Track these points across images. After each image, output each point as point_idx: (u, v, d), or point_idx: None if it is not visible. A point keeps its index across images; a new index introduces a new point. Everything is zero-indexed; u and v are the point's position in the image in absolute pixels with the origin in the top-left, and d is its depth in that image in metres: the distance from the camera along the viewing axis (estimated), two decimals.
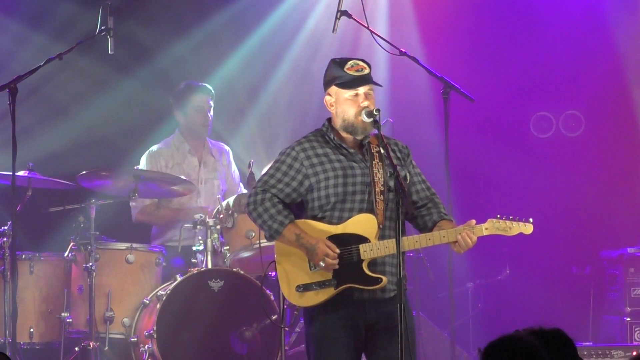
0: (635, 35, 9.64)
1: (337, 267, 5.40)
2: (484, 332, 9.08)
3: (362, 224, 5.44)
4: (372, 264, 5.43)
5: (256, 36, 9.62)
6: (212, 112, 8.65)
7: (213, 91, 8.67)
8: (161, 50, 9.42)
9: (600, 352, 7.85)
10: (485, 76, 9.61)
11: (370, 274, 5.41)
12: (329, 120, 5.63)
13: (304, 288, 5.46)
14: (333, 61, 5.60)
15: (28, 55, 8.76)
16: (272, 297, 7.47)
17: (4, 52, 9.04)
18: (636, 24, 9.65)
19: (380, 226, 5.43)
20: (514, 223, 5.52)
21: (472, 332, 9.05)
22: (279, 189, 5.52)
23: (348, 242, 5.43)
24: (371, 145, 5.56)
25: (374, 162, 5.50)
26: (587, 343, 8.31)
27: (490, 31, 9.79)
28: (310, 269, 5.45)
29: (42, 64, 7.07)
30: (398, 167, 5.41)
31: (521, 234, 5.53)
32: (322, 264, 5.41)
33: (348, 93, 5.53)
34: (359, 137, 5.54)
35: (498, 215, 5.50)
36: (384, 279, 5.41)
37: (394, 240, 5.33)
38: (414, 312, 8.25)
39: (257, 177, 7.87)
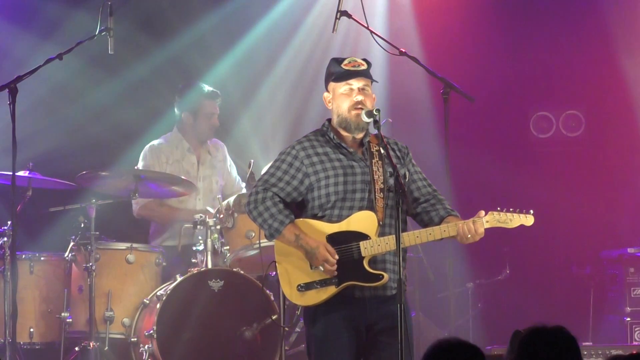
0: (635, 35, 9.63)
1: (335, 273, 5.41)
2: (484, 332, 9.07)
3: (362, 221, 5.44)
4: (373, 261, 5.43)
5: (252, 35, 9.59)
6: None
7: (220, 95, 8.67)
8: (157, 49, 9.39)
9: (600, 352, 7.84)
10: (485, 76, 9.61)
11: (371, 270, 5.41)
12: (329, 120, 5.64)
13: (306, 287, 5.46)
14: (333, 59, 5.64)
15: (24, 54, 8.76)
16: (272, 297, 7.47)
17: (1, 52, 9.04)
18: (636, 24, 9.64)
19: (380, 223, 5.43)
20: (515, 215, 5.52)
21: (472, 332, 9.04)
22: (279, 188, 5.52)
23: (348, 240, 5.42)
24: (371, 144, 5.57)
25: (373, 160, 5.51)
26: (587, 343, 8.30)
27: (490, 31, 9.78)
28: (311, 268, 5.44)
29: (42, 64, 7.05)
30: (397, 167, 5.42)
31: (522, 226, 5.53)
32: (321, 268, 5.41)
33: (342, 88, 5.56)
34: (354, 134, 5.56)
35: (498, 208, 5.51)
36: (385, 275, 5.40)
37: (394, 236, 5.32)
38: (413, 313, 8.26)
39: (257, 177, 7.88)
